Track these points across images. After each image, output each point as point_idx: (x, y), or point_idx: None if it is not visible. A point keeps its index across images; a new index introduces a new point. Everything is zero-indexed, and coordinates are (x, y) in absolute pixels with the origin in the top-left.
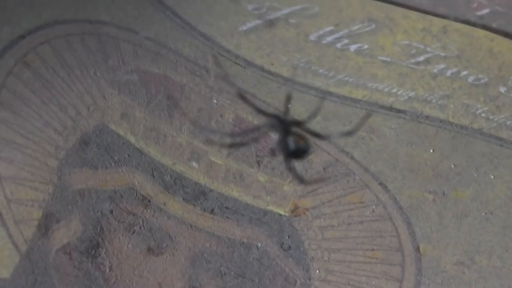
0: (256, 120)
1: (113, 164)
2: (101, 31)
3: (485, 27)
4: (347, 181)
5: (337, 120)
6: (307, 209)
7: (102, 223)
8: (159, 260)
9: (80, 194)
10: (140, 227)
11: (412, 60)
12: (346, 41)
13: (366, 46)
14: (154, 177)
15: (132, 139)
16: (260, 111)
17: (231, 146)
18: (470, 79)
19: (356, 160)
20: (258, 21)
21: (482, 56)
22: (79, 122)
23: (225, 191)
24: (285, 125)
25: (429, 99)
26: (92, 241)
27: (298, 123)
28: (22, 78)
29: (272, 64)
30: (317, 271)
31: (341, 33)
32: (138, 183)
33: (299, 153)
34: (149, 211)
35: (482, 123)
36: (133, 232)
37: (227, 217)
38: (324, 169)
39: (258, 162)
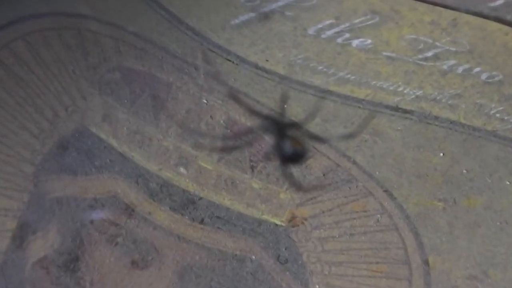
0: (250, 121)
1: (94, 170)
2: (80, 25)
3: (499, 20)
4: (349, 188)
5: (338, 122)
6: (305, 219)
7: (82, 234)
8: (144, 275)
9: (58, 202)
10: (123, 239)
11: (420, 56)
12: (347, 35)
13: (369, 41)
14: (138, 184)
15: (114, 143)
16: (254, 112)
17: (223, 150)
18: (483, 76)
19: (359, 165)
20: (251, 14)
21: (496, 52)
22: (57, 124)
23: (216, 199)
24: (281, 127)
25: (438, 98)
26: (71, 254)
27: (295, 125)
28: None
29: (267, 60)
30: (317, 286)
31: (342, 26)
32: (121, 190)
33: (296, 157)
34: (133, 221)
35: (496, 124)
36: (116, 244)
37: (218, 228)
38: (323, 175)
39: (252, 168)
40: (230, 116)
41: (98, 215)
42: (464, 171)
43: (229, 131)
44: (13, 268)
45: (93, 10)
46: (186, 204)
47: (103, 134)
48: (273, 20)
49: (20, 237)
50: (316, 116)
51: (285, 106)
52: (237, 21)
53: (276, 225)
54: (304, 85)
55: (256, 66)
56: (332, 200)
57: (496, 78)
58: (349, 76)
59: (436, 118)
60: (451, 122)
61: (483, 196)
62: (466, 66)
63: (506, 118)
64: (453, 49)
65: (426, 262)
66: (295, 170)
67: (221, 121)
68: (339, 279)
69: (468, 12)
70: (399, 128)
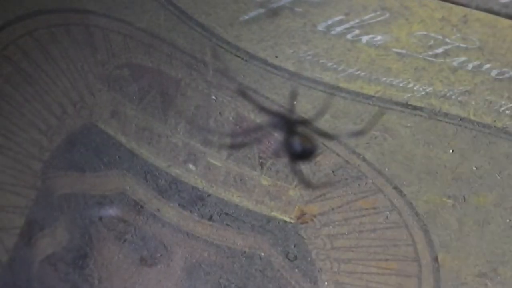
0: (259, 118)
1: (102, 166)
2: (88, 21)
3: (509, 17)
4: (359, 185)
5: (348, 119)
6: (314, 216)
7: (91, 231)
8: (153, 272)
9: (66, 199)
10: (132, 236)
11: (430, 53)
12: (357, 31)
13: (379, 37)
14: (147, 180)
15: (123, 139)
16: (263, 108)
17: (232, 147)
18: (493, 73)
19: (368, 162)
20: (260, 10)
21: (506, 48)
22: (65, 121)
23: (225, 196)
24: (290, 124)
25: (448, 95)
26: (79, 250)
27: (305, 122)
28: (3, 73)
29: (276, 57)
30: (326, 284)
31: (351, 22)
32: (129, 187)
33: (306, 154)
34: (141, 218)
35: (506, 121)
36: (124, 241)
37: (227, 225)
38: (333, 172)
39: (261, 164)
40: (239, 113)
41: (107, 212)
42: (474, 168)
43: (238, 127)
44: (21, 265)
45: (101, 6)
46: (195, 201)
47: (111, 131)
48: (282, 16)
49: (28, 234)
50: (326, 113)
51: (295, 102)
52: (246, 17)
53: (285, 222)
54: (314, 82)
55: (265, 63)
56: (341, 197)
57: (507, 75)
58: (359, 72)
59: (446, 115)
60: (461, 119)
61: (493, 193)
62: (476, 62)
63: None
64: (464, 45)
65: (435, 259)
66: (304, 167)
67: (230, 118)
68: (348, 276)
69: (478, 8)
70: (409, 125)
